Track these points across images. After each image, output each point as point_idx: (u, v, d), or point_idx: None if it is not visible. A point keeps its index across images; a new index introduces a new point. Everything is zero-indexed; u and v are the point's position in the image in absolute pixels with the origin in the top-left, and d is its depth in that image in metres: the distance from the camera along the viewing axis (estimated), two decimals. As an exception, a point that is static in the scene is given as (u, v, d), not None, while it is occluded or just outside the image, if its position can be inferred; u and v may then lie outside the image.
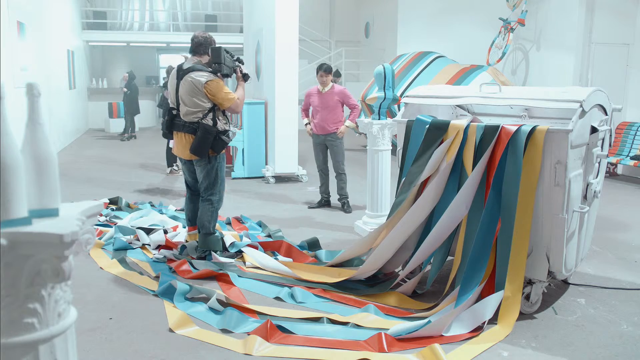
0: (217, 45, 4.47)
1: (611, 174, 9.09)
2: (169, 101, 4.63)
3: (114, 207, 6.17)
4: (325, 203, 6.58)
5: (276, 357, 3.01)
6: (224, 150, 4.54)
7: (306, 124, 6.51)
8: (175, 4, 19.06)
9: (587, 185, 3.69)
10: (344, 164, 6.42)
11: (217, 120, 4.42)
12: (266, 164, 8.49)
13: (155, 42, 18.74)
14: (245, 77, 4.60)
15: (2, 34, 7.23)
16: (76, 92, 14.40)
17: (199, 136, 4.36)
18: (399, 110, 4.71)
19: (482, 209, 3.52)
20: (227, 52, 4.53)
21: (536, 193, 3.40)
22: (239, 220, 5.74)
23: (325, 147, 6.43)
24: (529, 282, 3.55)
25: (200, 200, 4.59)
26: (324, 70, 6.28)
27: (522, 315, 3.51)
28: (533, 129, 3.39)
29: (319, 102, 6.32)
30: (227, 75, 4.51)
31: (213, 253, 4.52)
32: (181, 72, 4.47)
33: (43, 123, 1.59)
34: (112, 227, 5.33)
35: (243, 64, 4.66)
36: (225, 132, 4.46)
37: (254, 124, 8.49)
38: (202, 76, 4.35)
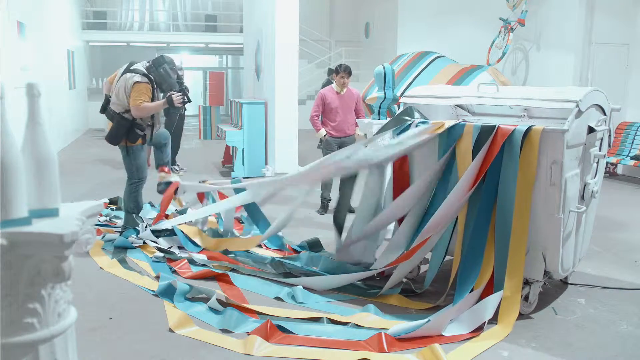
0: (167, 69, 5.14)
1: (611, 174, 9.09)
2: (106, 90, 5.41)
3: (114, 207, 6.17)
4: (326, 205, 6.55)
5: (276, 357, 3.01)
6: (138, 142, 5.13)
7: (324, 135, 6.25)
8: (175, 4, 19.07)
9: (585, 185, 3.69)
10: None
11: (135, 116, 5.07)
12: (266, 164, 8.49)
13: (155, 42, 18.73)
14: (168, 100, 5.07)
15: (2, 34, 7.23)
16: (76, 92, 14.40)
17: (114, 125, 5.07)
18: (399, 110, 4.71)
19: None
20: (179, 79, 5.32)
21: (532, 193, 3.41)
22: (239, 220, 5.74)
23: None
24: (526, 282, 3.55)
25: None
26: (344, 70, 6.18)
27: (522, 315, 3.51)
28: (529, 129, 3.40)
29: (340, 104, 6.20)
30: (163, 91, 5.17)
31: (130, 235, 4.96)
32: (125, 69, 5.16)
33: (43, 123, 1.60)
34: (112, 226, 5.35)
35: (185, 93, 5.37)
36: (141, 126, 5.05)
37: (254, 124, 8.49)
38: (136, 77, 4.97)
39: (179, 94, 5.19)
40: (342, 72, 6.19)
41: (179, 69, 9.10)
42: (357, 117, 6.24)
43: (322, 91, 6.40)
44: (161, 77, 5.12)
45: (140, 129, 5.06)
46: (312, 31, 16.35)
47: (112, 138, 5.11)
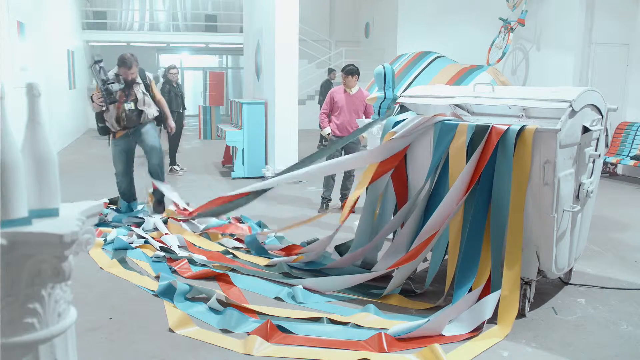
0: (96, 69, 5.51)
1: (611, 174, 9.09)
2: None
3: (113, 207, 6.17)
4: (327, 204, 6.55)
5: (276, 357, 3.01)
6: (111, 135, 5.77)
7: (328, 134, 6.31)
8: (175, 4, 19.07)
9: (580, 185, 3.69)
10: None
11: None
12: (266, 163, 8.49)
13: (155, 42, 18.74)
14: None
15: (2, 34, 7.23)
16: (76, 92, 14.40)
17: None
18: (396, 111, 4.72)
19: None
20: (103, 79, 5.50)
21: (526, 192, 3.41)
22: (239, 220, 5.74)
23: (342, 150, 6.35)
24: (525, 282, 3.55)
25: None
26: (345, 72, 6.17)
27: (522, 315, 3.51)
28: (522, 129, 3.40)
29: (346, 103, 6.20)
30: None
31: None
32: None
33: (43, 123, 1.60)
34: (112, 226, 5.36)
35: (104, 95, 5.51)
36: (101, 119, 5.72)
37: (254, 124, 8.48)
38: None
39: (99, 94, 5.53)
40: (342, 72, 6.22)
41: (171, 67, 9.13)
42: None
43: (332, 89, 6.47)
44: (93, 76, 5.60)
45: (100, 121, 5.75)
46: (312, 31, 16.35)
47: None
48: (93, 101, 5.60)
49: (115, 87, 5.55)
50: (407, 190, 4.12)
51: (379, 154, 4.05)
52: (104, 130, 5.81)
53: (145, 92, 5.80)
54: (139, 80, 5.73)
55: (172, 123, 6.19)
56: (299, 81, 8.70)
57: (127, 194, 6.00)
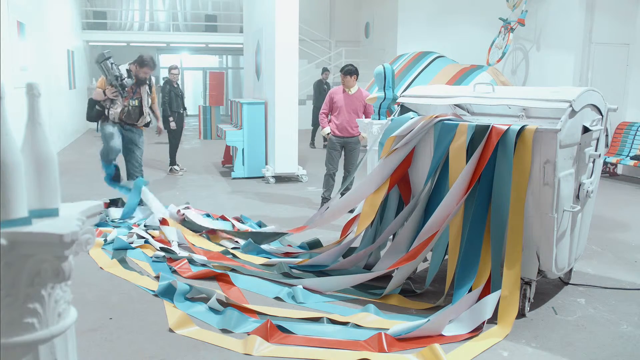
0: (107, 65, 5.73)
1: (611, 174, 9.09)
2: None
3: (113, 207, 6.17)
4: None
5: (276, 357, 3.01)
6: (100, 120, 6.01)
7: (327, 134, 6.33)
8: (175, 4, 19.06)
9: (580, 185, 3.69)
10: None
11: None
12: (266, 164, 8.49)
13: (155, 42, 18.73)
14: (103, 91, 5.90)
15: (2, 34, 7.23)
16: (76, 92, 14.40)
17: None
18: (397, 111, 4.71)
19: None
20: (117, 75, 5.74)
21: (526, 192, 3.41)
22: (239, 220, 5.74)
23: (342, 150, 6.37)
24: (525, 282, 3.55)
25: None
26: (344, 72, 6.19)
27: (522, 315, 3.51)
28: (522, 129, 3.40)
29: (345, 103, 6.20)
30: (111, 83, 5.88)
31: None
32: None
33: (43, 123, 1.60)
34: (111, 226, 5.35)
35: (118, 89, 5.81)
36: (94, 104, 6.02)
37: (254, 124, 8.49)
38: None
39: (113, 88, 5.80)
40: (341, 73, 6.23)
41: (172, 68, 9.15)
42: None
43: (332, 90, 6.47)
44: (102, 71, 5.78)
45: (92, 106, 6.06)
46: (312, 31, 16.35)
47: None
48: (95, 98, 5.85)
49: (129, 82, 5.87)
50: (411, 190, 4.12)
51: (387, 168, 4.03)
52: (96, 115, 6.03)
53: (149, 92, 6.13)
54: (147, 81, 6.07)
55: (161, 125, 6.63)
56: (299, 81, 8.70)
57: (109, 154, 6.06)
